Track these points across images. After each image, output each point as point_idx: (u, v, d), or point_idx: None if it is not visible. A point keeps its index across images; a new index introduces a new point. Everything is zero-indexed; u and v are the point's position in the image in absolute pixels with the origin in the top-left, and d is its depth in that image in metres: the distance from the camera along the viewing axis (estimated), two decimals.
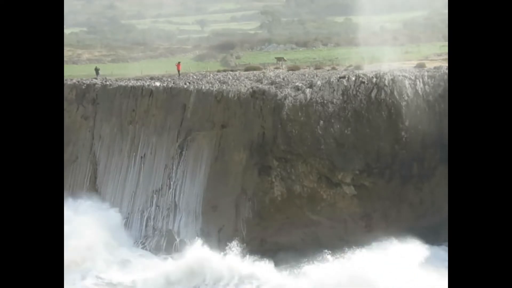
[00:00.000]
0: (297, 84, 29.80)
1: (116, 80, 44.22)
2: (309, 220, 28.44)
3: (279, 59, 50.92)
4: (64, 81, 44.49)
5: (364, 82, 28.68)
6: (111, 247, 32.35)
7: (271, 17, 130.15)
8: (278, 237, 28.83)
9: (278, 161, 28.61)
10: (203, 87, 33.93)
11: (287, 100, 28.65)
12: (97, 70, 51.23)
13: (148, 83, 37.93)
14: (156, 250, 32.15)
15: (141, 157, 36.78)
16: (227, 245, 28.53)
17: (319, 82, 29.29)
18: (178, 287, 28.12)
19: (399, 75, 28.89)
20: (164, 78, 40.34)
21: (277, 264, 27.98)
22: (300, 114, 28.40)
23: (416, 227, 27.46)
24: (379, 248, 26.56)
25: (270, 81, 32.16)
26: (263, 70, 41.63)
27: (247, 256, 27.87)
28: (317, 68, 41.08)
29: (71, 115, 40.16)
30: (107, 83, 43.07)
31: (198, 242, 29.43)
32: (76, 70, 63.71)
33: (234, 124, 30.78)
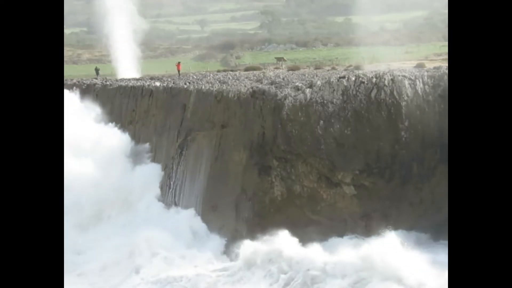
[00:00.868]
0: (297, 84, 29.82)
1: (116, 80, 44.30)
2: (309, 220, 28.44)
3: (279, 59, 50.98)
4: (65, 81, 44.55)
5: (364, 82, 28.69)
6: None
7: (271, 17, 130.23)
8: None
9: (278, 161, 28.62)
10: (203, 87, 33.96)
11: (287, 100, 28.66)
12: (97, 70, 51.31)
13: (148, 83, 38.00)
14: None
15: None
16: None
17: (319, 82, 29.30)
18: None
19: (399, 75, 28.89)
20: (164, 78, 40.41)
21: None
22: (300, 114, 28.41)
23: (416, 227, 27.47)
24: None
25: (270, 81, 32.18)
26: (263, 70, 41.66)
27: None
28: (317, 68, 41.15)
29: None
30: (107, 83, 43.15)
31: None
32: (76, 70, 63.79)
33: (234, 124, 30.80)
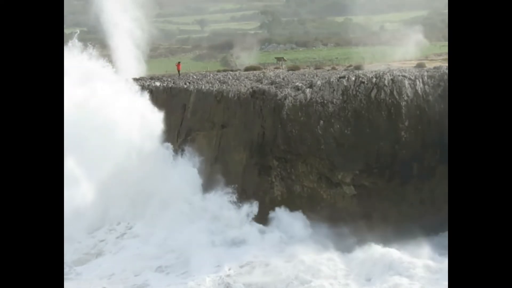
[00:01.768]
0: (297, 84, 29.82)
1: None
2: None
3: (279, 59, 50.87)
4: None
5: (364, 82, 28.70)
6: None
7: (271, 17, 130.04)
8: None
9: (278, 161, 28.62)
10: (203, 87, 33.95)
11: (287, 100, 28.67)
12: None
13: (148, 83, 37.95)
14: None
15: None
16: None
17: (319, 82, 29.31)
18: None
19: (398, 75, 28.89)
20: (164, 78, 40.34)
21: None
22: (300, 114, 28.42)
23: (416, 227, 27.45)
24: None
25: (270, 81, 32.18)
26: (263, 70, 41.61)
27: None
28: (317, 68, 41.05)
29: None
30: None
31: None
32: None
33: (234, 124, 30.81)
